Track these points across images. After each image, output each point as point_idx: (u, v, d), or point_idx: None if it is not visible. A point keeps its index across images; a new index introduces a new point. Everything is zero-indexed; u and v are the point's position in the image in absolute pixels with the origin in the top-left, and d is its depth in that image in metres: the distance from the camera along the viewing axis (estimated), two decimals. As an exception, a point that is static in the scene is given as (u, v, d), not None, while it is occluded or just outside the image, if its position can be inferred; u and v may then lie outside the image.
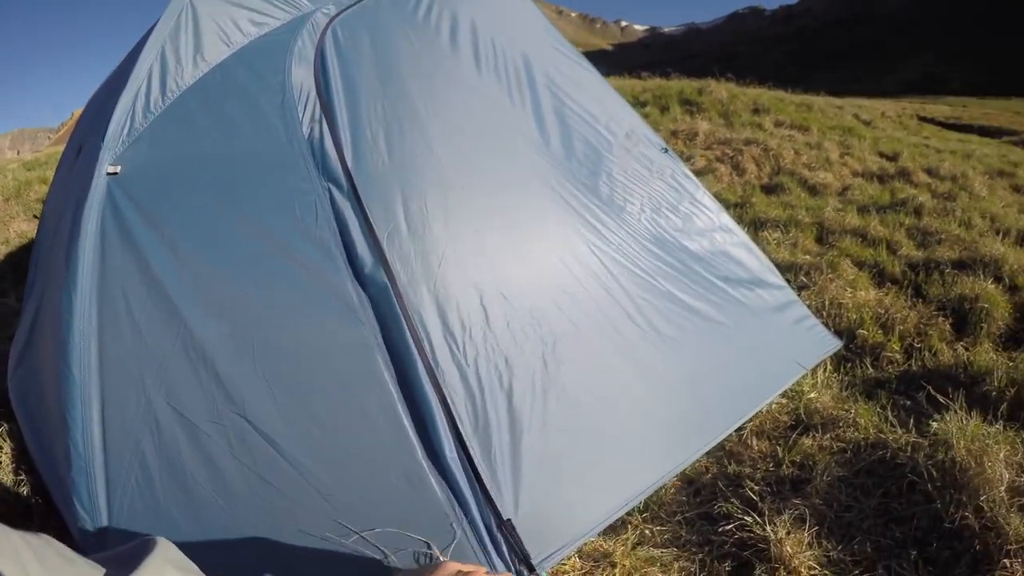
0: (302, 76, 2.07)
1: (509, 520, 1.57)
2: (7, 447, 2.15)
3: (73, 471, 1.52)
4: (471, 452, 1.59)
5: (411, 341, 1.64)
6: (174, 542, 0.98)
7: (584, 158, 2.21)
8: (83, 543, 1.48)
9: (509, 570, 1.52)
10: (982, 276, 3.48)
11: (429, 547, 1.48)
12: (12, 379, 2.24)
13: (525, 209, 1.99)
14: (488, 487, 1.58)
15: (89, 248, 1.66)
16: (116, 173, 1.79)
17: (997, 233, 4.46)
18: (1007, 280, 3.54)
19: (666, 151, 2.55)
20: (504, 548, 1.55)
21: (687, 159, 6.06)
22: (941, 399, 2.39)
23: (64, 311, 1.60)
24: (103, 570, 0.54)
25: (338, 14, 2.32)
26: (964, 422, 2.14)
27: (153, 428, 1.53)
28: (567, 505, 1.67)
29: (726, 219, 2.54)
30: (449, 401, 1.62)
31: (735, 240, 2.52)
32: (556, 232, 1.99)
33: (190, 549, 1.08)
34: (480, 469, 1.59)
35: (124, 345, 1.59)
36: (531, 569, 1.54)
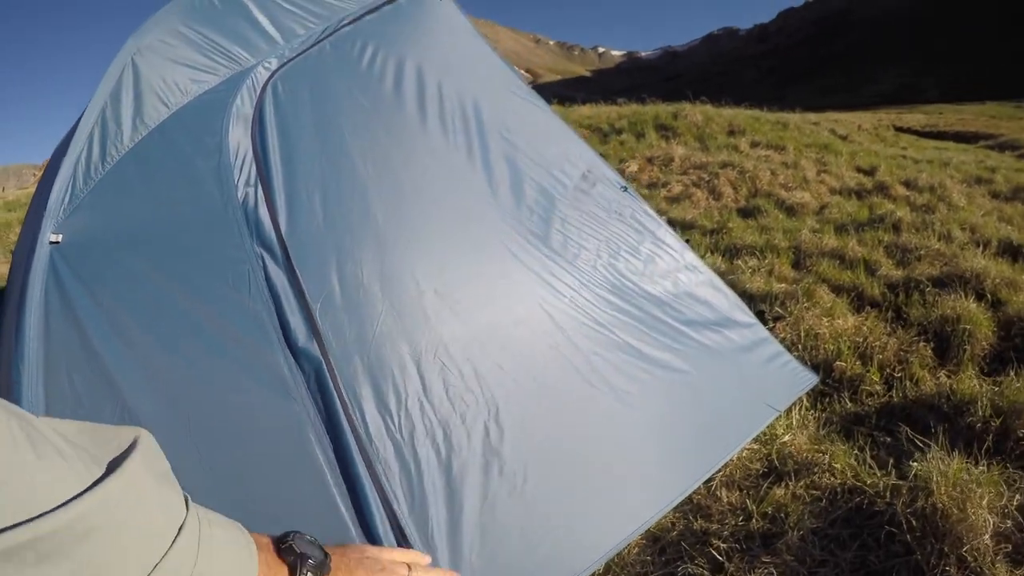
0: (239, 136, 1.98)
1: None
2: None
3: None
4: (406, 532, 1.49)
5: (343, 417, 1.54)
6: None
7: (535, 205, 2.11)
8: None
9: None
10: (963, 294, 3.38)
11: None
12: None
13: (468, 266, 1.88)
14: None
15: (34, 319, 1.60)
16: (58, 242, 1.72)
17: (977, 245, 4.38)
18: (989, 296, 3.45)
19: (625, 189, 2.45)
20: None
21: (663, 185, 6.00)
22: (919, 441, 2.27)
23: (14, 383, 1.53)
24: (100, 471, 0.56)
25: (280, 67, 2.23)
26: (945, 464, 2.01)
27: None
28: None
29: (690, 257, 2.44)
30: (382, 479, 1.52)
31: (701, 279, 2.41)
32: (501, 289, 1.88)
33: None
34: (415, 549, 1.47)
35: (68, 418, 1.50)
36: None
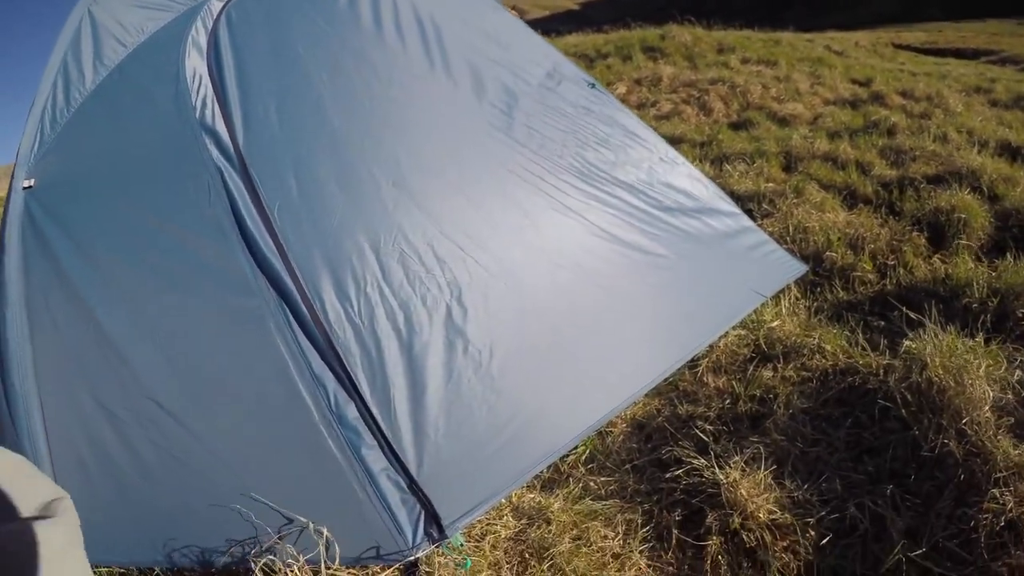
0: (195, 62, 1.96)
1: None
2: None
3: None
4: (373, 412, 1.44)
5: (303, 306, 1.51)
6: (105, 529, 1.26)
7: (498, 101, 2.01)
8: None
9: (420, 533, 1.38)
10: (958, 188, 3.18)
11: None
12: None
13: (425, 158, 1.79)
14: (395, 448, 1.43)
15: (14, 261, 1.64)
16: (31, 187, 1.77)
17: (974, 145, 4.13)
18: (986, 190, 3.25)
19: (593, 86, 2.30)
20: (418, 510, 1.41)
21: (652, 104, 5.72)
22: (914, 316, 2.13)
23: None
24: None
25: (232, -3, 2.14)
26: (939, 338, 1.88)
27: (84, 425, 1.48)
28: (482, 461, 1.49)
29: (665, 149, 2.29)
30: (344, 362, 1.47)
31: (679, 171, 2.26)
32: (461, 177, 1.79)
33: (118, 532, 1.35)
34: (384, 430, 1.43)
35: (52, 350, 1.56)
36: (441, 530, 1.36)
